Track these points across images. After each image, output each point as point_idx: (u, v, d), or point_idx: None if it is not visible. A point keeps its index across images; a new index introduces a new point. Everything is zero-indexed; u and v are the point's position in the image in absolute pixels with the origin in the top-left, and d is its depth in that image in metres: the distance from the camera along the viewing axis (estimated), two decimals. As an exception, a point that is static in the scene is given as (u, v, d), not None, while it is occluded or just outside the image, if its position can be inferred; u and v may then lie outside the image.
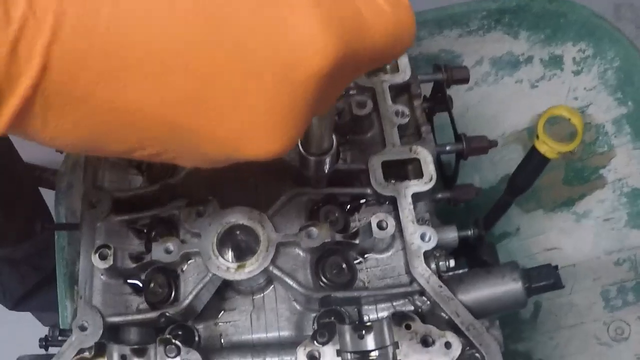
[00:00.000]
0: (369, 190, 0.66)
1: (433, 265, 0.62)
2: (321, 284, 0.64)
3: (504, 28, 1.13)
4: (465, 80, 0.76)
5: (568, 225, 1.10)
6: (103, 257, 0.61)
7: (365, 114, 0.69)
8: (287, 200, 0.65)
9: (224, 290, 0.65)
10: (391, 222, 0.61)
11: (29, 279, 1.33)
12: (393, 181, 0.65)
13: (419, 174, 0.65)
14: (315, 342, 0.58)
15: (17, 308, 1.38)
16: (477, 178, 1.16)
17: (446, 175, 0.83)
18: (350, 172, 0.68)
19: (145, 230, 0.67)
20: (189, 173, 0.66)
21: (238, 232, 0.62)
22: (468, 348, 0.59)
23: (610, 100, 1.10)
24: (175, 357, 0.57)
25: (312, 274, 0.63)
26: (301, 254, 0.63)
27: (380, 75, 0.71)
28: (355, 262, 0.65)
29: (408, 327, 0.58)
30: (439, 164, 0.81)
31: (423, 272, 0.61)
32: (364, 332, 0.59)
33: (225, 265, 0.60)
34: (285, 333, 0.64)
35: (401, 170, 0.67)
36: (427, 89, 0.81)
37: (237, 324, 0.65)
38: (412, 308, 0.63)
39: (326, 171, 0.62)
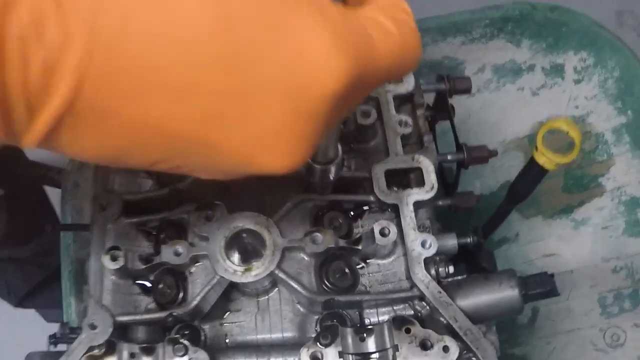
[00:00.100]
0: (372, 198, 0.67)
1: (433, 271, 0.64)
2: (324, 287, 0.65)
3: (506, 36, 1.14)
4: (467, 90, 0.77)
5: (567, 232, 1.11)
6: (114, 258, 0.62)
7: (369, 124, 0.70)
8: (293, 206, 0.66)
9: (230, 291, 0.66)
10: (393, 230, 0.63)
11: (33, 277, 1.34)
12: (396, 189, 0.67)
13: (421, 183, 0.67)
14: (318, 343, 0.59)
15: (21, 305, 1.39)
16: (478, 184, 1.17)
17: (447, 182, 0.85)
18: (355, 180, 0.69)
19: (154, 233, 0.69)
20: (197, 178, 0.67)
21: (245, 236, 0.63)
22: (465, 352, 0.60)
23: (610, 109, 1.11)
24: (183, 356, 0.59)
25: (316, 278, 0.65)
26: (306, 258, 0.65)
27: (384, 86, 0.73)
28: (358, 267, 0.67)
29: (408, 330, 0.59)
30: (440, 170, 0.82)
31: (423, 278, 0.62)
32: (365, 334, 0.60)
33: (233, 269, 0.62)
34: (288, 334, 0.65)
35: (403, 178, 0.69)
36: (430, 96, 0.83)
37: (242, 324, 0.66)
38: (412, 312, 0.64)
39: (331, 179, 0.64)
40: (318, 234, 0.63)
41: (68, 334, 0.67)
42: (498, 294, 0.62)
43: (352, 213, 0.70)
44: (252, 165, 0.40)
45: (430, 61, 1.15)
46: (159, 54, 0.34)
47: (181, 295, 0.65)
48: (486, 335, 0.61)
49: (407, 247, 0.64)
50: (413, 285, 0.63)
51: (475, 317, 0.61)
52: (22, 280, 1.33)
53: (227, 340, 0.65)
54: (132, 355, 0.60)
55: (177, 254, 0.63)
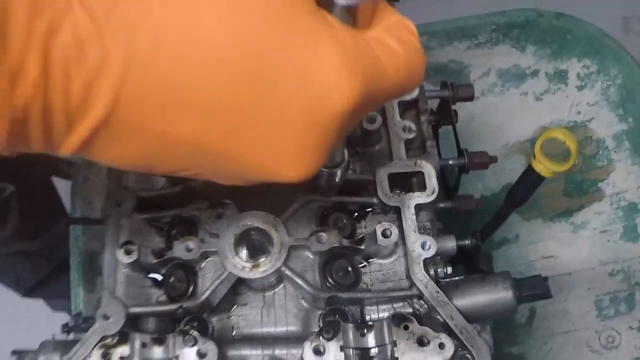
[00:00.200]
0: (375, 200, 0.69)
1: (432, 272, 0.66)
2: (328, 284, 0.67)
3: (511, 42, 1.16)
4: (470, 98, 0.79)
5: (566, 235, 1.12)
6: (128, 253, 0.64)
7: (374, 129, 0.72)
8: (300, 207, 0.68)
9: (238, 286, 0.68)
10: (395, 231, 0.65)
11: (41, 269, 1.37)
12: (398, 192, 0.69)
13: (423, 187, 0.69)
14: (320, 337, 0.61)
15: (29, 295, 1.42)
16: (480, 186, 1.19)
17: (448, 185, 0.87)
18: (359, 182, 0.71)
19: (166, 229, 0.70)
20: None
21: (253, 234, 0.65)
22: (460, 349, 0.62)
23: (612, 116, 1.12)
24: (192, 346, 0.61)
25: (320, 275, 0.67)
26: (311, 256, 0.67)
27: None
28: (360, 266, 0.69)
29: (406, 327, 0.61)
30: (442, 173, 0.84)
31: (422, 278, 0.64)
32: (365, 330, 0.62)
33: (241, 265, 0.64)
34: (292, 328, 0.67)
35: (406, 182, 0.70)
36: (434, 100, 0.84)
37: (248, 317, 0.68)
38: (411, 310, 0.66)
39: (337, 181, 0.66)
40: (323, 234, 0.65)
41: (81, 323, 0.68)
42: (493, 295, 0.64)
43: (356, 214, 0.72)
44: (268, 174, 0.43)
45: (436, 64, 1.17)
46: (189, 74, 0.37)
47: (191, 288, 0.67)
48: (481, 334, 0.62)
49: (407, 248, 0.66)
50: (412, 285, 0.65)
51: (471, 316, 0.63)
52: (30, 272, 1.37)
53: (233, 333, 0.67)
54: (143, 345, 0.61)
55: (189, 250, 0.65)
